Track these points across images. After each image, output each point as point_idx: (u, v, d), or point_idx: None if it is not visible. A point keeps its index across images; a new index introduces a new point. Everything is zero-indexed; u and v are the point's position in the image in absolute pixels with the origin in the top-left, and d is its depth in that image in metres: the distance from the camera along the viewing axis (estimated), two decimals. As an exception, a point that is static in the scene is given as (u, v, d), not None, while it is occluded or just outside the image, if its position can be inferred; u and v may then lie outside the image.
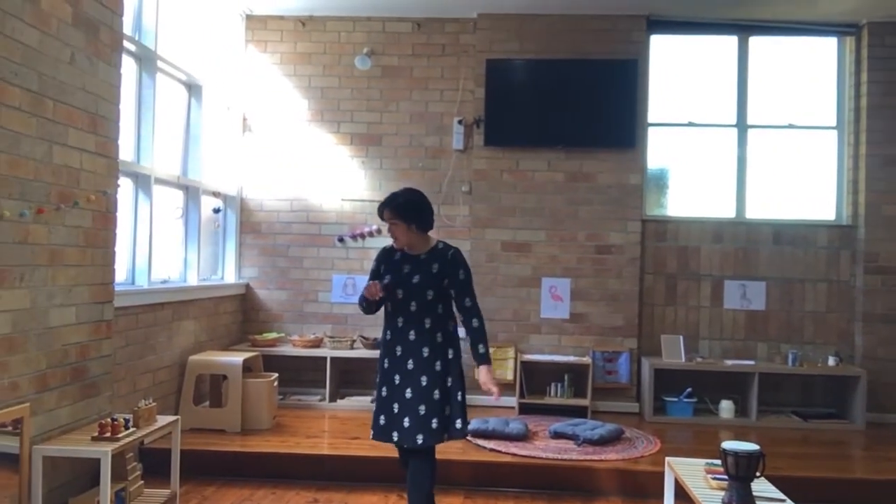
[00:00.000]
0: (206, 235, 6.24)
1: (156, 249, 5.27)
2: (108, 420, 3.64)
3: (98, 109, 3.92)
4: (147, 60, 5.07)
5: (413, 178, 6.48)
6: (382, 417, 3.50)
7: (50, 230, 3.53)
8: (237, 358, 5.38)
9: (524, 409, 6.06)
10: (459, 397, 3.47)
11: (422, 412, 3.39)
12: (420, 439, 3.38)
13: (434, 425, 3.38)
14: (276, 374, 5.63)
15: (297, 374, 6.37)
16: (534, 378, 6.22)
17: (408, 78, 6.57)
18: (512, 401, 6.16)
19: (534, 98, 6.38)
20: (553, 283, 6.39)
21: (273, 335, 6.40)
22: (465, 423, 3.50)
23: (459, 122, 6.48)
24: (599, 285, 6.39)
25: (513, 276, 6.42)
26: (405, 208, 3.48)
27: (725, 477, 3.09)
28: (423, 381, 3.42)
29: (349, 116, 6.62)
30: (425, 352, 3.45)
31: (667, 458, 3.68)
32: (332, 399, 6.14)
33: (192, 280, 5.79)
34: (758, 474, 3.03)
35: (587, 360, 6.19)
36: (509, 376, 6.26)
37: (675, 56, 6.66)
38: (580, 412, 6.01)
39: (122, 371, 4.56)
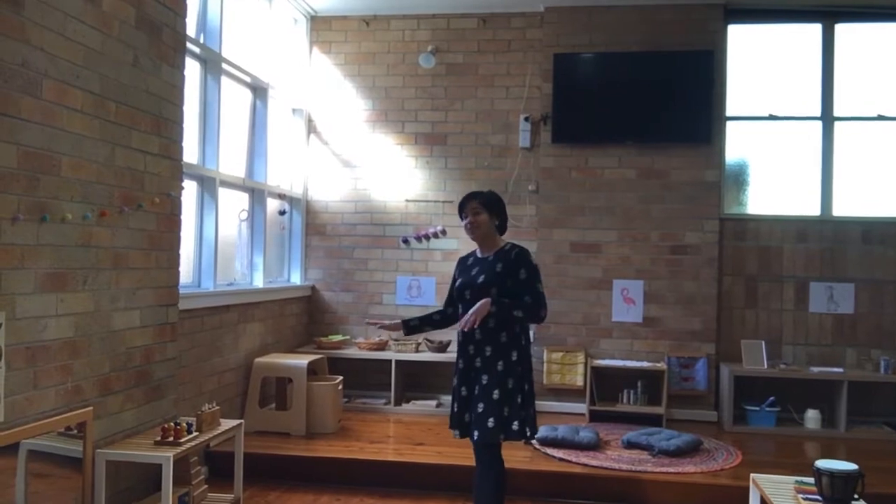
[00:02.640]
0: (272, 237, 6.24)
1: (221, 252, 5.27)
2: (171, 424, 3.61)
3: (161, 111, 3.91)
4: (212, 63, 5.06)
5: (478, 177, 6.33)
6: (455, 405, 3.52)
7: (113, 233, 3.52)
8: (302, 361, 5.33)
9: (595, 417, 5.83)
10: (520, 399, 3.37)
11: (479, 409, 3.36)
12: (476, 434, 3.36)
13: (490, 424, 3.32)
14: (341, 378, 5.56)
15: (362, 378, 6.30)
16: (605, 384, 5.98)
17: (473, 75, 6.43)
18: (582, 407, 5.94)
19: (603, 93, 6.15)
20: (625, 286, 6.13)
21: (338, 337, 6.34)
22: (527, 427, 3.39)
23: (526, 119, 6.29)
24: (675, 287, 6.10)
25: (582, 278, 6.20)
26: (492, 202, 3.55)
27: (819, 498, 2.83)
28: (485, 379, 3.39)
29: (413, 116, 6.52)
30: (488, 351, 3.41)
31: (752, 475, 3.41)
32: (398, 403, 6.04)
33: (259, 282, 5.78)
34: (856, 496, 2.76)
35: (662, 365, 5.92)
36: (579, 382, 6.04)
37: (755, 46, 6.31)
38: (654, 421, 5.74)
39: (188, 374, 4.55)
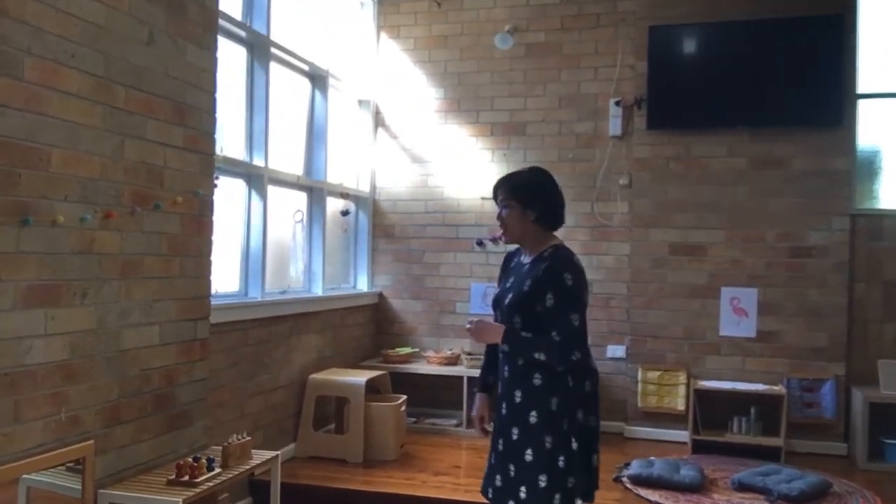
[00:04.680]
0: (336, 241, 5.72)
1: (274, 257, 4.79)
2: (188, 460, 3.10)
3: (185, 98, 3.41)
4: (259, 47, 4.57)
5: (563, 170, 5.59)
6: (488, 460, 2.74)
7: (123, 237, 3.03)
8: (360, 378, 4.77)
9: (698, 448, 5.00)
10: (562, 462, 2.48)
11: (511, 473, 2.58)
12: None
13: (522, 495, 2.52)
14: (405, 397, 4.97)
15: (433, 394, 5.69)
16: (711, 409, 5.12)
17: (556, 56, 5.70)
18: (683, 436, 5.12)
19: (708, 70, 5.31)
20: (735, 294, 5.26)
21: (406, 350, 5.77)
22: (574, 501, 2.52)
23: (617, 103, 5.52)
24: (795, 296, 5.19)
25: (684, 286, 5.37)
26: (523, 188, 2.65)
27: None
28: (515, 433, 2.58)
29: (489, 104, 5.86)
30: (517, 396, 2.58)
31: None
32: (470, 425, 5.38)
33: (318, 290, 5.26)
34: None
35: (780, 389, 5.03)
36: (680, 406, 5.22)
37: (893, 9, 5.31)
38: (771, 454, 4.86)
39: (227, 394, 4.06)
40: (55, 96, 2.69)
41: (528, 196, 2.63)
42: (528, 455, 2.53)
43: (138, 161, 3.12)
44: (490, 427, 2.79)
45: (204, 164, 3.57)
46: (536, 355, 2.51)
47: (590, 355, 2.62)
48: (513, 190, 2.65)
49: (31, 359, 2.60)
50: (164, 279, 3.29)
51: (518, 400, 2.58)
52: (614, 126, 5.52)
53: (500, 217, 2.69)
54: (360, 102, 6.04)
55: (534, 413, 2.54)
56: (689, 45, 5.39)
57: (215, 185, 3.69)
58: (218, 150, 3.84)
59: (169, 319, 3.33)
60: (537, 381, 2.54)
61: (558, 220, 2.68)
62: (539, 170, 2.76)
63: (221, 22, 3.94)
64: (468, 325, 2.66)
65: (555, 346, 2.48)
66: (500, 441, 2.64)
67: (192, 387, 3.51)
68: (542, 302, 2.51)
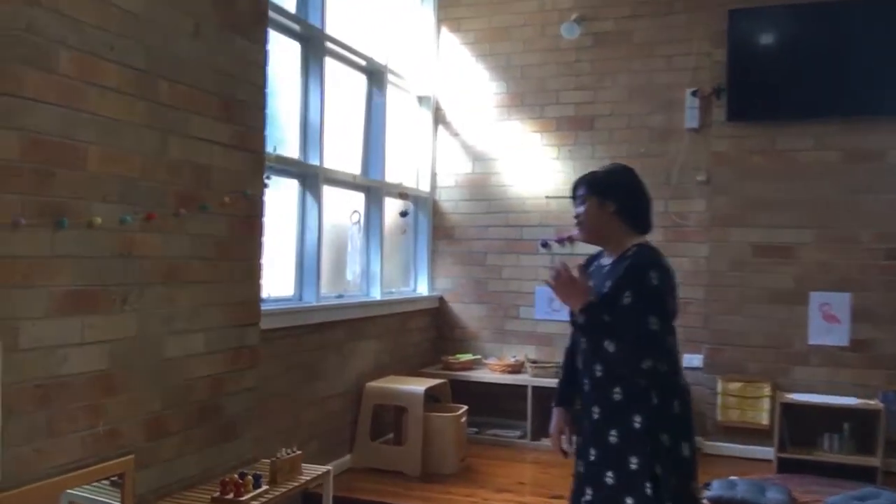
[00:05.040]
0: (395, 243, 5.52)
1: (330, 260, 4.62)
2: (234, 476, 2.92)
3: (234, 93, 3.24)
4: (314, 42, 4.39)
5: (633, 166, 5.24)
6: (573, 481, 2.46)
7: (166, 240, 2.87)
8: (418, 387, 4.54)
9: (785, 467, 4.58)
10: (649, 489, 2.18)
11: (587, 498, 2.32)
12: None
13: None
14: (465, 408, 4.72)
15: (495, 404, 5.41)
16: (799, 425, 4.70)
17: (626, 45, 5.36)
18: (768, 453, 4.72)
19: (794, 56, 4.89)
20: (825, 299, 4.83)
21: (468, 357, 5.51)
22: None
23: (693, 93, 5.14)
24: (893, 301, 4.73)
25: (768, 290, 4.96)
26: (601, 180, 2.43)
27: None
28: (593, 454, 2.32)
29: (554, 97, 5.55)
30: (595, 413, 2.32)
31: None
32: (535, 437, 5.10)
33: (376, 293, 5.06)
34: None
35: (876, 403, 4.58)
36: (764, 420, 4.83)
37: None
38: (867, 475, 4.42)
39: (279, 403, 3.88)
40: (92, 90, 2.54)
41: (606, 188, 2.39)
42: (609, 477, 2.26)
43: (182, 159, 2.96)
44: (570, 446, 2.52)
45: (253, 163, 3.40)
46: (606, 344, 2.23)
47: (679, 372, 2.32)
48: (590, 183, 2.43)
49: (66, 369, 2.45)
50: (210, 284, 3.13)
51: (596, 416, 2.31)
52: (691, 118, 5.14)
53: (577, 215, 2.45)
54: (420, 99, 5.83)
55: (614, 432, 2.26)
56: (773, 30, 4.97)
57: (266, 185, 3.52)
58: (270, 150, 3.68)
59: (216, 326, 3.16)
60: (617, 396, 2.26)
61: (643, 220, 2.42)
62: (621, 165, 2.54)
63: (273, 15, 3.79)
64: (551, 276, 2.33)
65: (626, 344, 2.20)
66: (580, 462, 2.38)
67: (240, 397, 3.33)
68: (620, 299, 2.22)
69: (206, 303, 3.10)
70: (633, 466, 2.21)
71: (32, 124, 2.33)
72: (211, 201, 3.10)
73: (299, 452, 3.21)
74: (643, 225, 2.43)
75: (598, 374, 2.30)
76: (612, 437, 2.27)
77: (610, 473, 2.26)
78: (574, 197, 2.48)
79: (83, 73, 2.50)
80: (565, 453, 2.56)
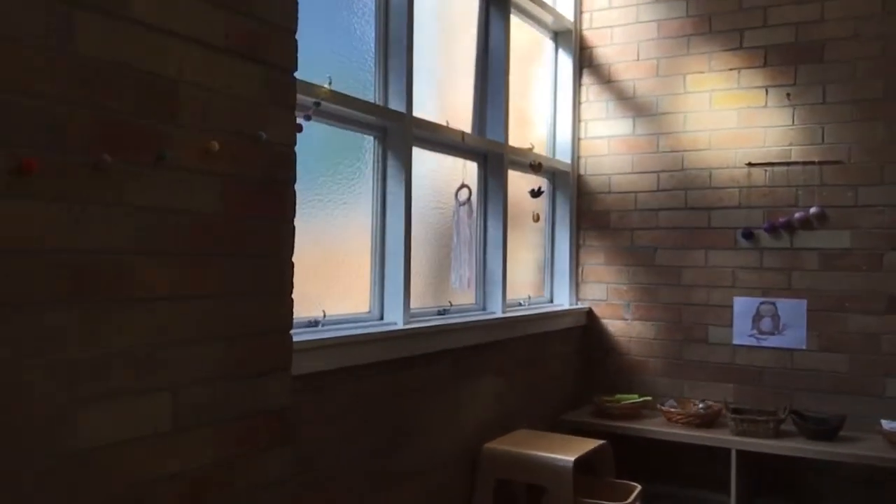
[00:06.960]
0: (520, 234, 3.95)
1: (426, 259, 3.11)
2: None
3: None
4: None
5: (890, 115, 3.43)
6: None
7: (71, 213, 1.44)
8: (565, 456, 2.93)
9: None
10: None
11: None
12: None
13: None
14: (638, 489, 3.06)
15: (675, 468, 3.73)
16: None
17: (875, -72, 3.53)
18: None
19: None
20: None
21: (633, 398, 3.86)
22: None
23: None
24: None
25: None
26: None
27: None
28: None
29: (760, 18, 3.79)
30: None
31: None
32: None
33: (495, 308, 3.51)
34: None
35: None
36: None
37: None
38: None
39: (341, 484, 2.40)
40: None
41: None
42: None
43: (112, 61, 1.52)
44: None
45: (274, 88, 1.92)
46: None
47: None
48: None
49: None
50: (179, 301, 1.67)
51: None
52: None
53: None
54: (557, 34, 4.23)
55: None
56: None
57: (299, 129, 2.04)
58: (325, 83, 2.23)
59: (195, 377, 1.70)
60: None
61: None
62: None
63: None
64: None
65: None
66: None
67: (259, 499, 1.86)
68: None
69: (170, 339, 1.65)
70: None
71: None
72: (181, 147, 1.65)
73: None
74: None
75: None
76: None
77: None
78: None
79: None
80: None
